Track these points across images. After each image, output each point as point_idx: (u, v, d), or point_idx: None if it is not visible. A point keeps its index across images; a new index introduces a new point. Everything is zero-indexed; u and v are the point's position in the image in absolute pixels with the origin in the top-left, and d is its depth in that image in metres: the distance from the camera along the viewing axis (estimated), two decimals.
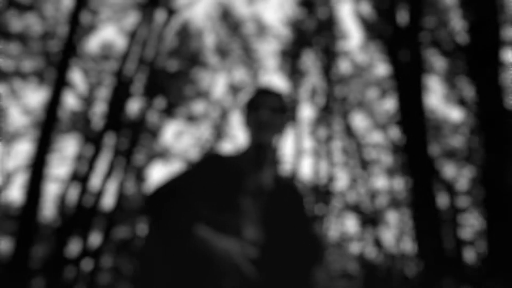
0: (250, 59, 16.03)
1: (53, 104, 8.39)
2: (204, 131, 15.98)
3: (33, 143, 8.47)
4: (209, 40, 15.10)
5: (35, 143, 8.16)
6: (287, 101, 1.59)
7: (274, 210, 1.48)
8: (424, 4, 9.29)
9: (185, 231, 1.26)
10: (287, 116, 1.59)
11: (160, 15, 13.05)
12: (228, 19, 16.28)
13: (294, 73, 14.13)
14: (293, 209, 1.56)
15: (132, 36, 12.34)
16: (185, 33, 15.89)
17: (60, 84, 8.58)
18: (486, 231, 5.37)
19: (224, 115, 16.00)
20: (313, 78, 14.07)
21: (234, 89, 16.10)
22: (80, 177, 10.89)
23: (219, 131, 15.96)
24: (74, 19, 9.18)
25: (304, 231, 1.53)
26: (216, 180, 1.45)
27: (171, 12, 13.49)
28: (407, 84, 8.14)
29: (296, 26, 14.43)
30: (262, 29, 15.97)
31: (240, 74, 16.45)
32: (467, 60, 6.46)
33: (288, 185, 1.60)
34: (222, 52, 16.06)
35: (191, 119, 16.11)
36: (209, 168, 1.49)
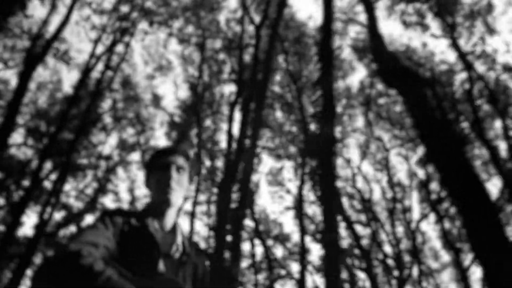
0: (141, 124, 18.14)
1: None
2: (88, 182, 17.04)
3: None
4: (107, 102, 16.87)
5: None
6: (193, 161, 1.60)
7: (188, 272, 1.48)
8: None
9: None
10: (192, 176, 1.59)
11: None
12: (127, 87, 18.35)
13: (180, 142, 16.63)
14: (201, 273, 1.55)
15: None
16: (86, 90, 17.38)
17: None
18: None
19: (110, 170, 17.40)
20: (196, 149, 16.77)
21: (123, 147, 17.82)
22: None
23: (102, 185, 17.17)
24: None
25: None
26: (128, 239, 1.36)
27: None
28: None
29: (186, 105, 17.32)
30: (156, 100, 18.45)
31: (129, 135, 18.39)
32: None
33: (196, 248, 1.59)
34: (117, 114, 17.87)
35: (75, 169, 16.99)
36: (117, 225, 1.38)
